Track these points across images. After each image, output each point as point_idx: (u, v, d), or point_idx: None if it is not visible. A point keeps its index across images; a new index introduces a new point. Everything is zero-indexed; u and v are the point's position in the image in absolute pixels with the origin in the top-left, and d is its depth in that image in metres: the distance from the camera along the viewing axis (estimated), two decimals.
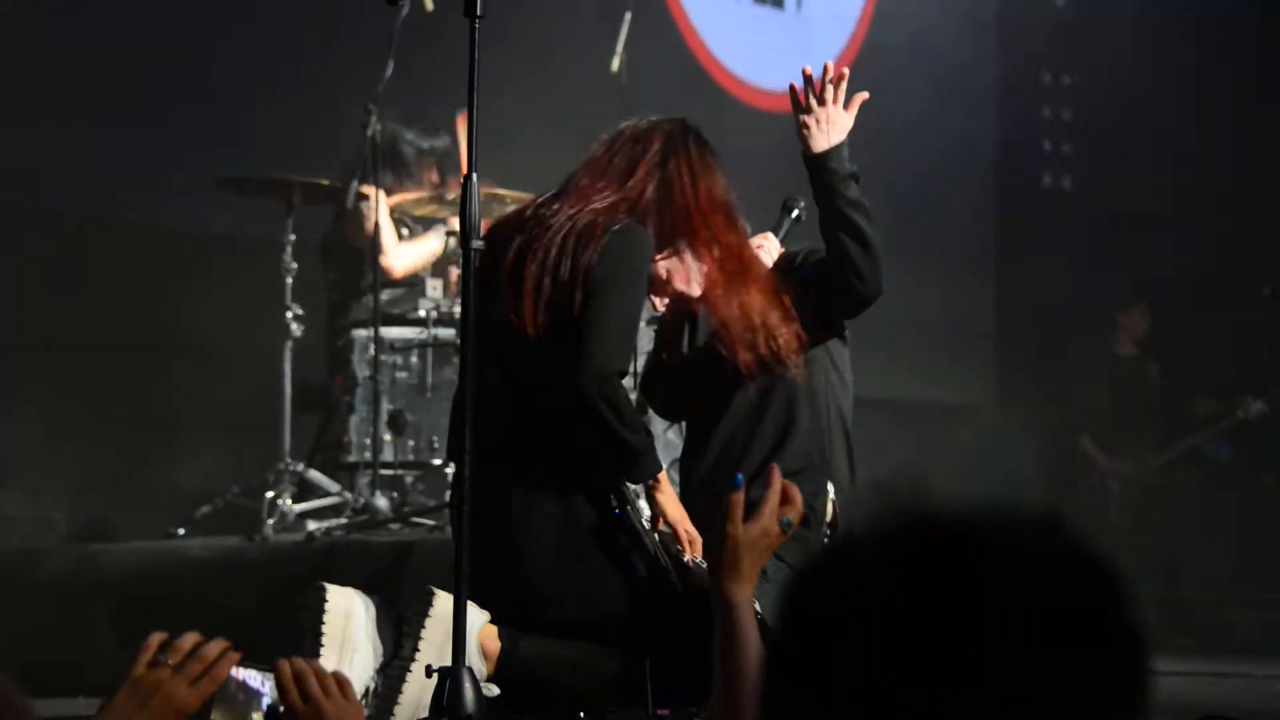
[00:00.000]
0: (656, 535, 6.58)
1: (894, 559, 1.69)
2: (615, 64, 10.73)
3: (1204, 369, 14.01)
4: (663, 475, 6.64)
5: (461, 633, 5.77)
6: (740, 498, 3.99)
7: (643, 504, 6.79)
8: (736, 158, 7.54)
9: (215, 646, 3.33)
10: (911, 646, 1.63)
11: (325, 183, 9.37)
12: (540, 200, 6.68)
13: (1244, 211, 13.95)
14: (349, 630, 6.48)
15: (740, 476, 4.46)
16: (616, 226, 6.44)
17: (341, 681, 3.26)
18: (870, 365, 8.59)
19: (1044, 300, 14.78)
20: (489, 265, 6.53)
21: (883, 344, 12.47)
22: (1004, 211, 15.44)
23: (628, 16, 10.58)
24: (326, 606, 6.43)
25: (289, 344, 9.21)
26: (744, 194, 7.08)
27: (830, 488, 6.87)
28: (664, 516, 6.60)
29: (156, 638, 3.38)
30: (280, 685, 3.24)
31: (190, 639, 3.35)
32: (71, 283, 9.80)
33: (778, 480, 4.15)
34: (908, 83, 13.69)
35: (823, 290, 7.19)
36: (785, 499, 4.05)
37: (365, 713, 4.24)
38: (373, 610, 6.36)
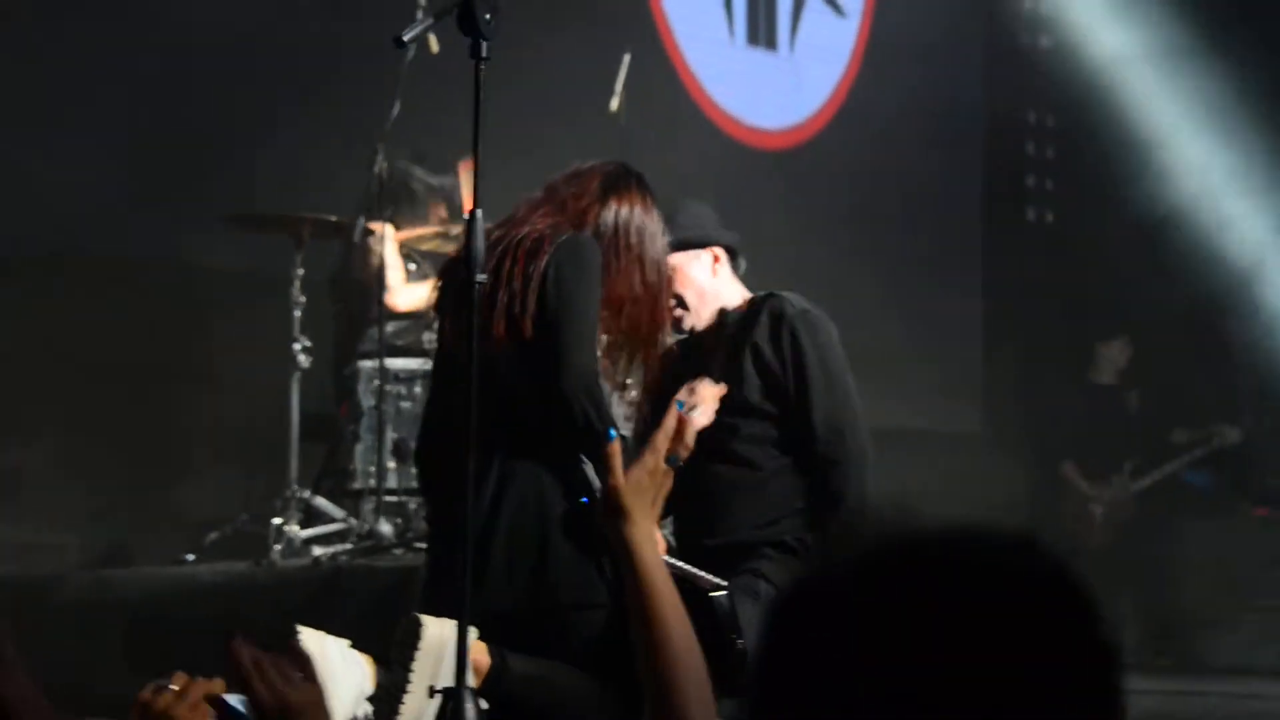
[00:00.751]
0: None
1: (874, 579, 1.69)
2: (614, 104, 10.65)
3: (1182, 398, 13.95)
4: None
5: (464, 652, 5.73)
6: (616, 448, 3.85)
7: None
8: (730, 195, 7.48)
9: (211, 684, 3.27)
10: (891, 666, 1.63)
11: (334, 219, 9.32)
12: (484, 228, 6.53)
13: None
14: (328, 661, 6.14)
15: (613, 432, 4.46)
16: (563, 237, 6.44)
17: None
18: (861, 393, 8.59)
19: (1029, 330, 14.78)
20: (445, 292, 6.66)
21: (873, 373, 12.51)
22: (990, 245, 15.43)
23: (626, 58, 10.58)
24: (303, 642, 6.38)
25: (297, 375, 9.17)
26: (733, 229, 7.18)
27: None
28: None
29: (151, 686, 3.34)
30: (245, 677, 3.01)
31: (184, 678, 3.30)
32: (84, 315, 9.79)
33: (670, 418, 4.03)
34: (897, 119, 13.67)
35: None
36: (676, 435, 3.94)
37: None
38: (343, 646, 6.08)
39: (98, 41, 9.60)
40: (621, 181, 6.73)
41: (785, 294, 7.21)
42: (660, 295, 6.75)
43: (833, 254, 12.89)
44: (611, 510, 3.75)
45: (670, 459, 3.90)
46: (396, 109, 8.97)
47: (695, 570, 6.34)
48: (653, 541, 3.80)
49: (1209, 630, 12.71)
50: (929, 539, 1.72)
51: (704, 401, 6.29)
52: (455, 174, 9.57)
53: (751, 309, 7.10)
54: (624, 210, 6.63)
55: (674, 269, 6.97)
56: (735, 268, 7.24)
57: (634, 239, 6.63)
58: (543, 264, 6.34)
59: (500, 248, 6.36)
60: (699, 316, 7.12)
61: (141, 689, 3.21)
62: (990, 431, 14.53)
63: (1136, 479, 13.35)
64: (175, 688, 3.22)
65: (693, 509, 6.89)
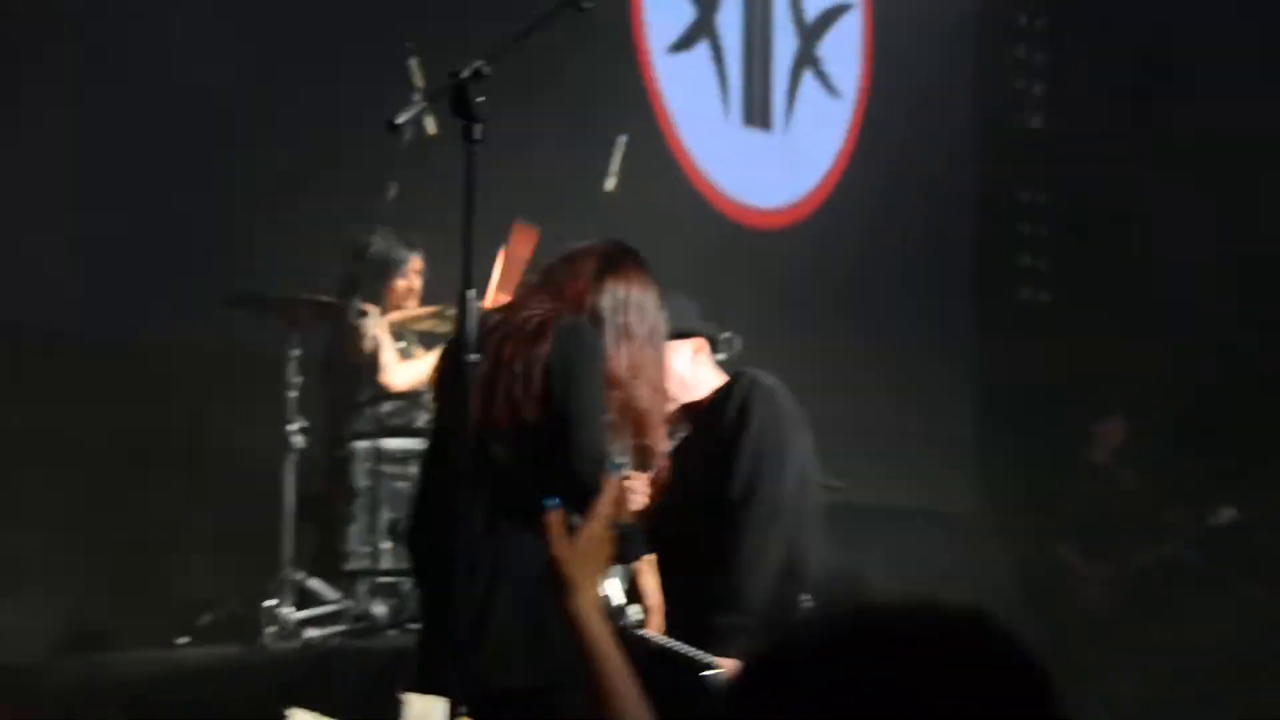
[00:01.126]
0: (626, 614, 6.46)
1: (828, 657, 1.74)
2: (610, 184, 10.46)
3: (1178, 477, 13.76)
4: (649, 556, 6.57)
5: None
6: (558, 517, 3.79)
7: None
8: (726, 274, 7.51)
9: None
10: None
11: (329, 300, 9.34)
12: (482, 312, 6.63)
13: (1215, 325, 13.83)
14: None
15: (555, 500, 4.43)
16: (564, 321, 6.43)
17: None
18: (853, 470, 8.52)
19: (1024, 410, 14.60)
20: (445, 374, 6.70)
21: (866, 449, 12.44)
22: (985, 324, 15.44)
23: (622, 139, 10.39)
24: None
25: (291, 455, 9.12)
26: (731, 306, 7.05)
27: (807, 601, 6.62)
28: (646, 597, 6.52)
29: None
30: None
31: None
32: (72, 396, 9.72)
33: (609, 487, 3.95)
34: (892, 197, 13.77)
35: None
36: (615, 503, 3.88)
37: None
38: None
39: (94, 123, 9.58)
40: (617, 261, 6.76)
41: (755, 372, 7.14)
42: (659, 372, 6.76)
43: (828, 334, 12.94)
44: (563, 583, 3.67)
45: (619, 526, 3.91)
46: (393, 191, 9.02)
47: (687, 648, 6.35)
48: (597, 611, 3.70)
49: (1209, 711, 12.61)
50: (882, 616, 1.77)
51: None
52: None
53: (723, 392, 7.05)
54: (620, 290, 6.64)
55: None
56: (716, 354, 7.23)
57: (632, 318, 6.63)
58: (545, 349, 6.36)
59: (500, 332, 6.41)
60: (679, 405, 7.07)
61: None
62: (985, 510, 14.46)
63: (1133, 557, 13.28)
64: None
65: (697, 588, 6.72)
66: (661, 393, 6.75)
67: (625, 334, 6.68)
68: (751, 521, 6.73)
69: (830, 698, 1.70)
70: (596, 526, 3.79)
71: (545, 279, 6.79)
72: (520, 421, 6.41)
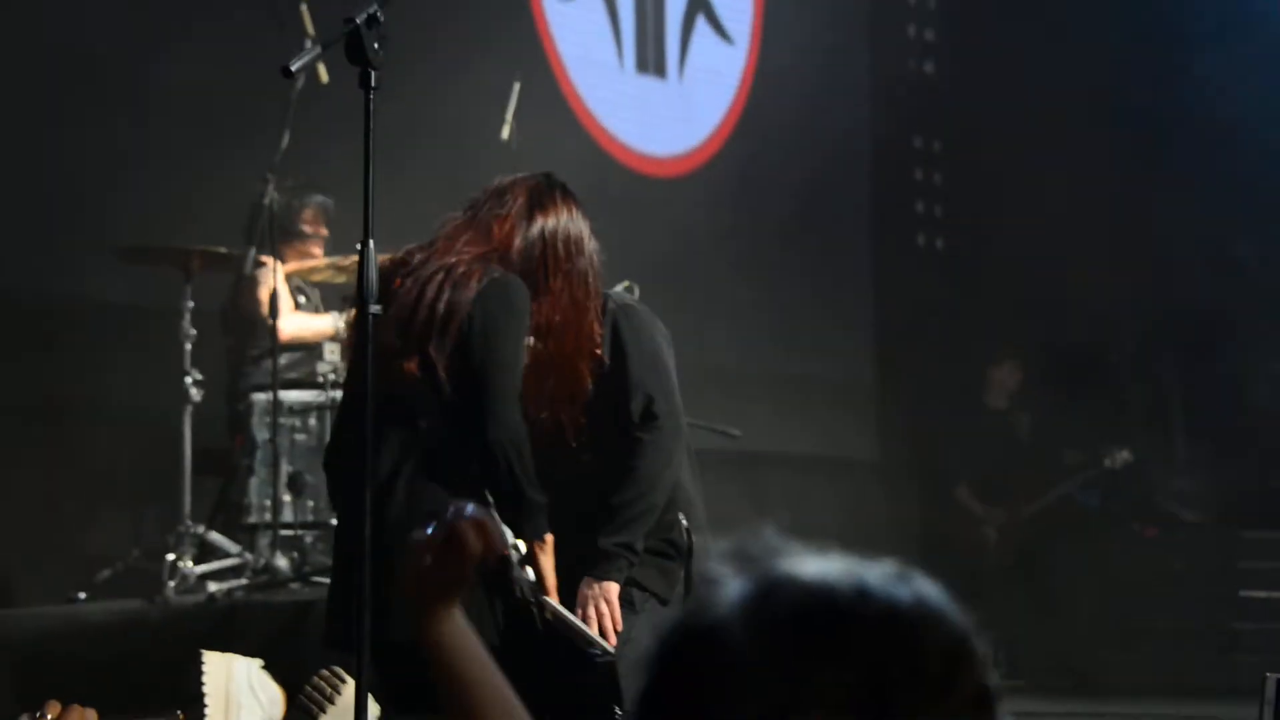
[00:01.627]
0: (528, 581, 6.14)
1: (757, 614, 1.69)
2: (505, 132, 10.75)
3: (1073, 421, 13.93)
4: (548, 537, 6.49)
5: (363, 690, 5.67)
6: (426, 543, 3.37)
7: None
8: (622, 221, 7.51)
9: (86, 712, 3.33)
10: (774, 711, 1.65)
11: (223, 251, 9.35)
12: (407, 250, 6.59)
13: (1115, 269, 13.92)
14: (230, 691, 6.48)
15: (429, 529, 4.33)
16: (494, 274, 6.40)
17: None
18: (757, 419, 8.48)
19: (921, 355, 14.83)
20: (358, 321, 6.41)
21: (769, 400, 12.45)
22: (881, 271, 15.50)
23: (516, 86, 10.63)
24: (205, 670, 6.50)
25: (189, 409, 9.14)
26: (629, 255, 7.06)
27: (682, 518, 6.71)
28: (544, 578, 6.41)
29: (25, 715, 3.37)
30: None
31: (57, 706, 3.36)
32: None
33: (470, 528, 3.50)
34: (786, 146, 13.80)
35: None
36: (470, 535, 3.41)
37: None
38: (254, 668, 6.41)
39: None
40: (545, 195, 6.68)
41: (619, 294, 7.17)
42: (588, 313, 6.69)
43: (725, 282, 13.00)
44: (411, 612, 3.34)
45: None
46: (286, 140, 8.95)
47: (578, 624, 6.31)
48: (452, 634, 3.33)
49: (1104, 652, 12.73)
50: (808, 576, 1.72)
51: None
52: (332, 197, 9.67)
53: None
54: (550, 223, 6.59)
55: None
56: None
57: (562, 252, 6.59)
58: (467, 298, 6.30)
59: (424, 271, 6.36)
60: None
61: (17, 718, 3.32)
62: (885, 456, 14.56)
63: (1029, 501, 13.44)
64: (50, 716, 3.32)
65: (572, 518, 6.65)
66: (589, 335, 6.68)
67: (556, 269, 6.61)
68: (657, 437, 6.68)
69: (758, 670, 1.67)
70: (428, 557, 3.41)
71: (472, 216, 6.63)
72: (429, 366, 6.32)
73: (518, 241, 6.55)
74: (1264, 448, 13.48)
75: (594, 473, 6.76)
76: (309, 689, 5.76)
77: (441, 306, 6.32)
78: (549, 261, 6.57)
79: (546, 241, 6.62)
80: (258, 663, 6.67)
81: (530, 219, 6.57)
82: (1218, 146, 13.23)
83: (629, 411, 6.72)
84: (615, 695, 6.15)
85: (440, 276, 6.31)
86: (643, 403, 6.70)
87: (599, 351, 6.80)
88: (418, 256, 6.49)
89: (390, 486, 6.38)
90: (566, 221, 6.64)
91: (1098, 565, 13.18)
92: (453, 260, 6.36)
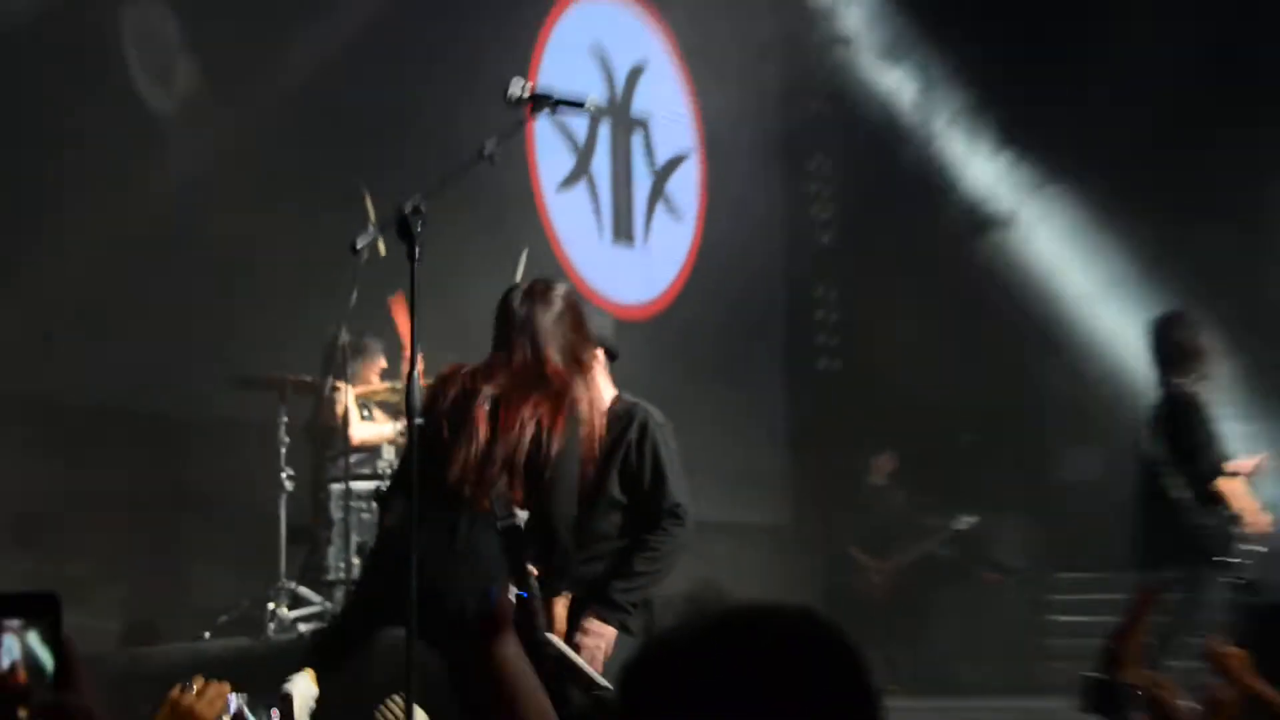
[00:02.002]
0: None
1: (702, 647, 1.72)
2: (517, 279, 10.64)
3: (932, 494, 13.90)
4: (567, 592, 6.27)
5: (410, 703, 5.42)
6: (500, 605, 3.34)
7: None
8: None
9: (222, 685, 3.34)
10: (718, 711, 1.67)
11: (308, 379, 9.31)
12: (450, 367, 6.43)
13: (960, 379, 13.86)
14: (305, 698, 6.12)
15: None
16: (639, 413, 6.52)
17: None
18: (703, 496, 8.39)
19: (822, 448, 14.60)
20: (434, 423, 6.22)
21: (710, 483, 12.32)
22: (792, 386, 15.18)
23: (524, 253, 10.21)
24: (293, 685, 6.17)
25: (283, 496, 9.10)
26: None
27: None
28: (556, 622, 6.16)
29: (179, 686, 3.36)
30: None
31: (200, 679, 3.35)
32: (123, 459, 9.56)
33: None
34: (723, 294, 13.68)
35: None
36: None
37: None
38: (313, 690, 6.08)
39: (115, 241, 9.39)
40: (568, 307, 6.44)
41: (649, 407, 6.85)
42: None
43: (681, 393, 12.62)
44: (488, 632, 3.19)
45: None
46: (354, 297, 8.83)
47: (583, 664, 6.08)
48: (519, 653, 3.22)
49: (958, 662, 12.93)
50: (738, 616, 1.75)
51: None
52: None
53: (625, 414, 6.70)
54: (567, 330, 6.32)
55: None
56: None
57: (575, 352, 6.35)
58: (548, 447, 6.09)
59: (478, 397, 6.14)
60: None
61: (172, 690, 3.26)
62: (797, 523, 14.34)
63: (903, 555, 13.39)
64: (196, 687, 3.26)
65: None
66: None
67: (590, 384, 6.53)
68: (679, 532, 6.52)
69: (706, 680, 1.70)
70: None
71: (508, 332, 6.41)
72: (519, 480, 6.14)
73: (553, 356, 6.29)
74: (1070, 511, 13.30)
75: (613, 537, 6.60)
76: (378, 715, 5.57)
77: (528, 450, 6.06)
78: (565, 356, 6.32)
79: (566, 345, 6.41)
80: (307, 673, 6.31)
81: (555, 325, 6.36)
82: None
83: (661, 506, 6.57)
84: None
85: (520, 427, 6.05)
86: (673, 503, 6.55)
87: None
88: (464, 374, 6.31)
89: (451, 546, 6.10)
90: (578, 325, 6.48)
91: (953, 601, 13.26)
92: (513, 405, 6.13)
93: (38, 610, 2.06)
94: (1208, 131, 13.23)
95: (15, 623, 2.03)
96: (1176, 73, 13.00)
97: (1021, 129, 14.23)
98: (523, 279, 10.09)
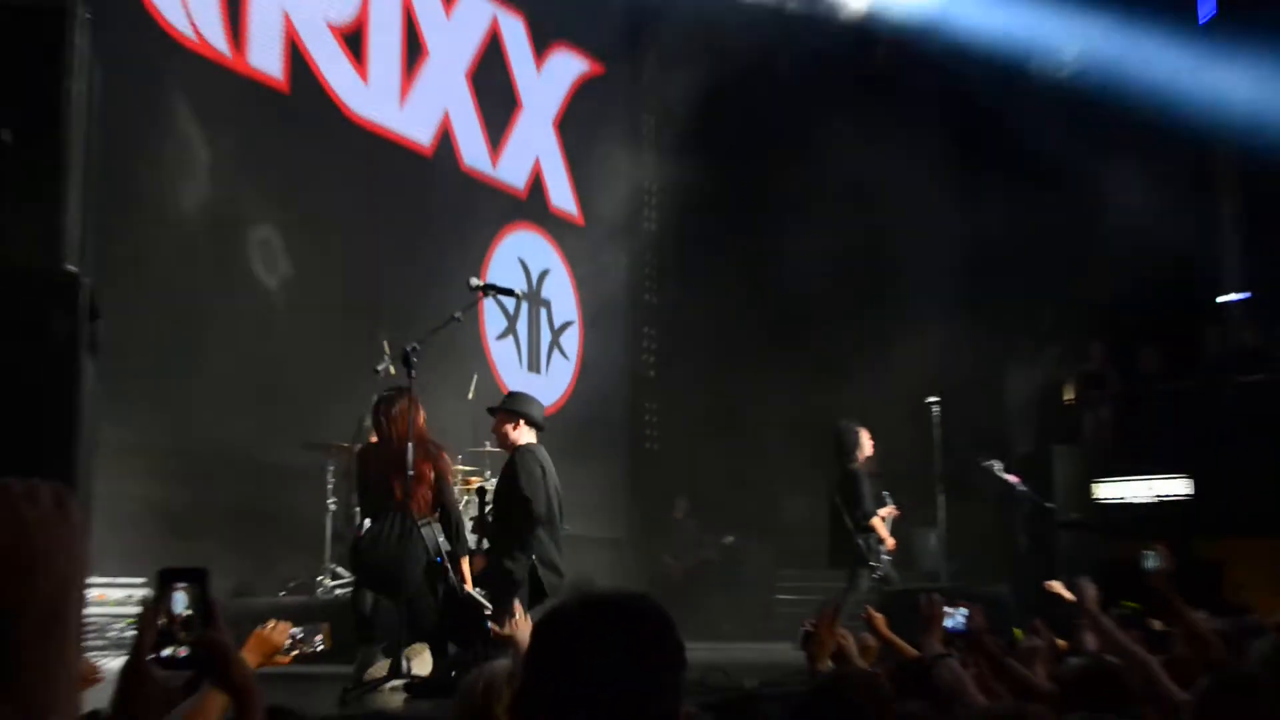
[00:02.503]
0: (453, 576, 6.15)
1: (580, 617, 1.62)
2: (470, 396, 9.90)
3: (713, 522, 13.41)
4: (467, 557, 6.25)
5: None
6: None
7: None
8: None
9: (286, 623, 3.17)
10: (593, 662, 1.57)
11: (345, 444, 8.70)
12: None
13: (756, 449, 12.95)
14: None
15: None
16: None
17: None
18: (572, 519, 8.07)
19: (646, 496, 14.17)
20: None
21: (576, 510, 12.11)
22: (633, 457, 14.43)
23: (475, 376, 10.16)
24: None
25: (329, 514, 8.97)
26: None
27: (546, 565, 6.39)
28: (464, 575, 6.21)
29: (263, 624, 3.21)
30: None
31: (274, 620, 3.20)
32: (233, 485, 9.13)
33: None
34: (590, 399, 13.38)
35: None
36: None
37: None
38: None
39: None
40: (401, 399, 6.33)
41: (528, 444, 6.60)
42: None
43: (562, 460, 12.12)
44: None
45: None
46: (374, 398, 8.34)
47: (478, 598, 6.02)
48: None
49: (721, 619, 12.36)
50: (603, 597, 1.66)
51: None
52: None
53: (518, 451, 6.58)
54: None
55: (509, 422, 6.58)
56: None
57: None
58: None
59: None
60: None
61: (257, 627, 3.13)
62: (631, 539, 13.86)
63: (692, 559, 13.16)
64: (271, 624, 3.14)
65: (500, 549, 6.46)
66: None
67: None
68: (523, 517, 6.39)
69: (584, 641, 1.59)
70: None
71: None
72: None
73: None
74: (791, 534, 12.59)
75: (500, 530, 6.50)
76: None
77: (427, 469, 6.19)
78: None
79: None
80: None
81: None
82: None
83: (512, 500, 6.42)
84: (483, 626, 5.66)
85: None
86: (520, 498, 6.39)
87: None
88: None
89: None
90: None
91: (720, 585, 12.80)
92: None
93: (195, 577, 2.05)
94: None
95: (182, 584, 2.02)
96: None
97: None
98: (474, 391, 9.90)
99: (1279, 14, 11.45)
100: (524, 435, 6.65)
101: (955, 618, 4.10)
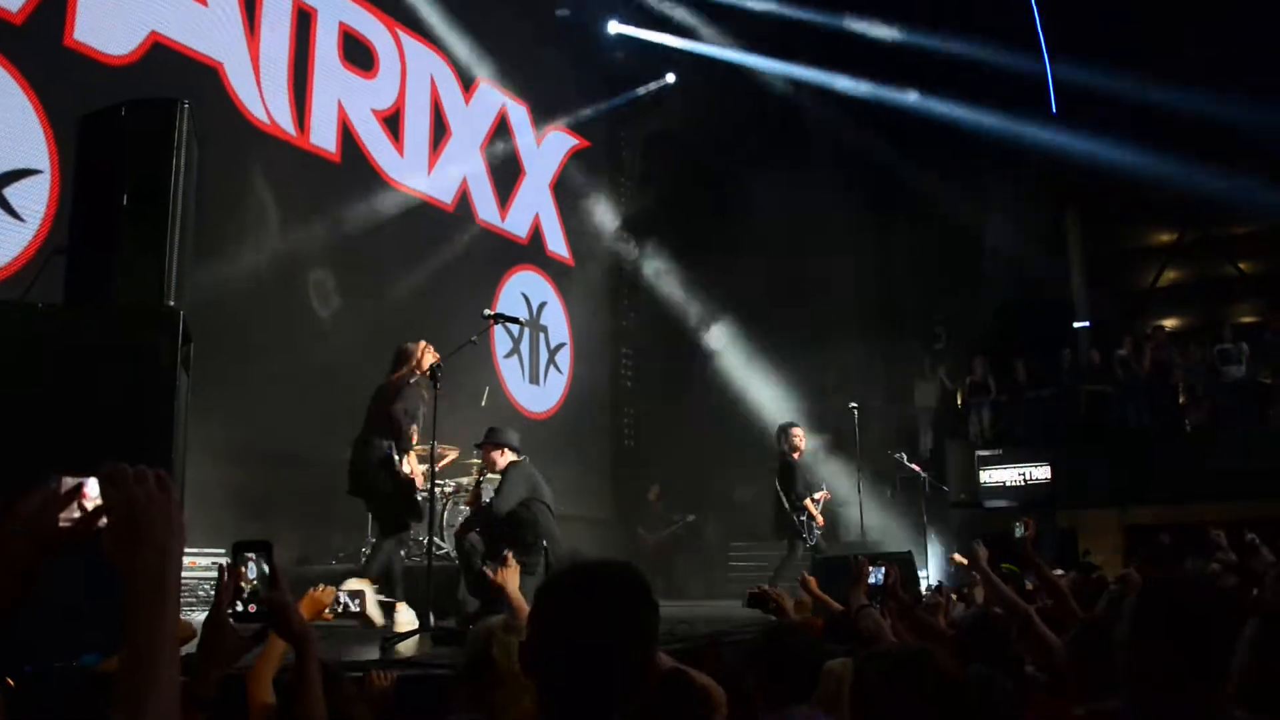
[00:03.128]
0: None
1: (575, 580, 1.57)
2: (484, 402, 10.01)
3: (680, 503, 12.93)
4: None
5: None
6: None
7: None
8: (526, 438, 6.99)
9: (331, 588, 2.92)
10: (585, 618, 1.52)
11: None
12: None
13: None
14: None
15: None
16: None
17: (160, 476, 1.30)
18: (563, 500, 7.91)
19: (622, 485, 13.73)
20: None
21: (569, 493, 12.09)
22: (612, 454, 13.98)
23: (487, 387, 10.12)
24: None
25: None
26: (527, 450, 6.68)
27: (546, 543, 6.15)
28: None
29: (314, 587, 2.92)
30: (100, 483, 1.29)
31: (323, 585, 2.93)
32: (297, 477, 8.74)
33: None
34: (582, 407, 13.09)
35: None
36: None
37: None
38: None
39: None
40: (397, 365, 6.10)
41: (518, 461, 6.32)
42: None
43: (557, 454, 11.58)
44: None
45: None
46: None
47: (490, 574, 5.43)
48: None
49: (685, 580, 12.32)
50: (592, 565, 1.60)
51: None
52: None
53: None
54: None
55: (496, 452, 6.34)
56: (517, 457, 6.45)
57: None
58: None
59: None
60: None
61: (310, 590, 3.01)
62: (612, 518, 13.41)
63: (662, 534, 12.86)
64: (322, 587, 3.06)
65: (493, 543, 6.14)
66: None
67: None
68: (502, 519, 6.16)
69: (578, 599, 1.54)
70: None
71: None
72: None
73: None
74: (738, 512, 12.31)
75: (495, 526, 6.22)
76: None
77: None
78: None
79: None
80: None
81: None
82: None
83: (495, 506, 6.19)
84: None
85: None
86: (500, 504, 6.18)
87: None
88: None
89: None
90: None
91: (645, 554, 12.24)
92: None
93: (262, 548, 2.01)
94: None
95: (252, 554, 1.98)
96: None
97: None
98: (488, 398, 10.12)
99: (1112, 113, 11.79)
100: (506, 457, 6.52)
101: (876, 575, 4.11)
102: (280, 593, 1.97)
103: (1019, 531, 4.53)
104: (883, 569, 4.13)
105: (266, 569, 1.98)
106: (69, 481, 1.36)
